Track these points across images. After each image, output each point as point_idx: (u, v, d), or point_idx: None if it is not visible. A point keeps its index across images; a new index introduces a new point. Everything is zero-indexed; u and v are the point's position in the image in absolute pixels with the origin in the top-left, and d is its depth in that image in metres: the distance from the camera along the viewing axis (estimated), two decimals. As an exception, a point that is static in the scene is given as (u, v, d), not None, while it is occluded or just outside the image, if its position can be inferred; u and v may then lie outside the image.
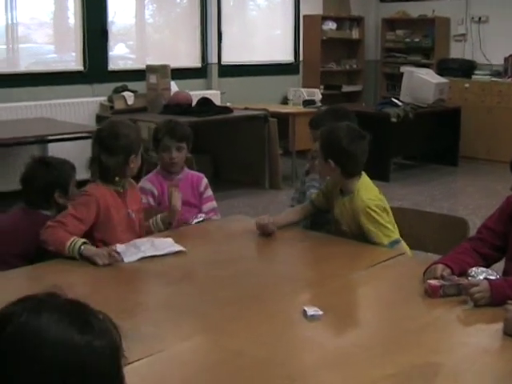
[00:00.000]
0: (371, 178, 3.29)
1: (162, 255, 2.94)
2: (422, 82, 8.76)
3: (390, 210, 3.17)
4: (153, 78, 7.91)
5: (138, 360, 1.92)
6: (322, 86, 10.32)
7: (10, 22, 7.45)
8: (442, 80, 8.95)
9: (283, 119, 8.32)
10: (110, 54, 8.31)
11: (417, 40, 10.55)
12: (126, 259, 2.85)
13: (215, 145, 8.33)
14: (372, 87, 11.12)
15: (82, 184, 3.24)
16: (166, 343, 2.11)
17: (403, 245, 3.14)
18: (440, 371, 1.98)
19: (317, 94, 9.74)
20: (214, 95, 8.71)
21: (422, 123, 8.83)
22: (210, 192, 3.90)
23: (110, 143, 3.12)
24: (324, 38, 10.31)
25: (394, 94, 9.54)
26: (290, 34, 10.34)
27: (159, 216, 3.42)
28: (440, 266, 2.60)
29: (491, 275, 2.56)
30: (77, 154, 4.76)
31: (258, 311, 2.38)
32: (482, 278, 2.52)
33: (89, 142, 3.42)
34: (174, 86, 8.17)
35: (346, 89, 10.84)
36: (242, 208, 7.01)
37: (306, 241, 3.19)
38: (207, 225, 3.63)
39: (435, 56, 10.27)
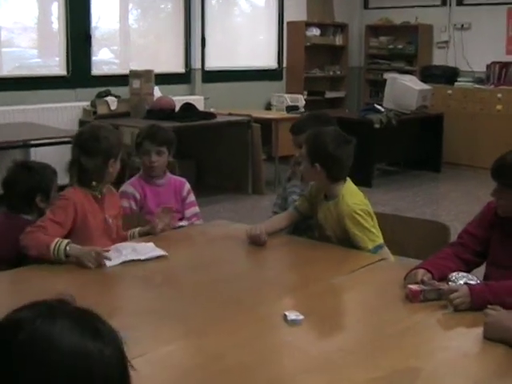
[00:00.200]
0: (354, 184, 3.30)
1: (144, 260, 2.93)
2: (405, 89, 8.81)
3: (373, 214, 3.18)
4: (136, 83, 7.90)
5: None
6: (305, 92, 10.35)
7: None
8: (425, 87, 9.00)
9: (266, 125, 8.33)
10: (94, 58, 8.30)
11: (400, 47, 10.61)
12: (108, 263, 2.85)
13: (198, 150, 8.32)
14: (355, 93, 11.16)
15: (63, 189, 3.22)
16: (147, 347, 2.11)
17: (386, 249, 3.15)
18: (420, 375, 1.98)
19: (300, 100, 9.77)
20: (198, 101, 8.72)
21: (405, 129, 8.87)
22: (192, 197, 3.90)
23: (90, 145, 3.11)
24: (308, 44, 10.34)
25: (377, 100, 9.59)
26: (274, 40, 10.36)
27: (138, 230, 3.40)
28: (421, 271, 2.61)
29: (471, 280, 2.57)
30: (59, 159, 4.73)
31: (239, 315, 2.38)
32: (462, 282, 2.53)
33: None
34: (158, 92, 8.17)
35: (329, 95, 10.87)
36: (224, 213, 7.01)
37: (289, 245, 3.19)
38: (189, 229, 3.62)
39: (418, 63, 10.33)
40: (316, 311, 2.43)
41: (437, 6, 10.26)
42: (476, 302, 2.37)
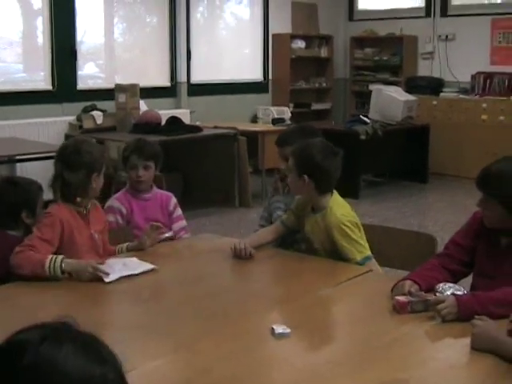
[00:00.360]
0: (341, 196, 3.30)
1: (137, 274, 2.92)
2: (391, 100, 8.85)
3: (361, 226, 3.19)
4: (122, 98, 7.89)
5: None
6: (291, 105, 10.38)
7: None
8: (411, 97, 9.05)
9: (253, 137, 8.34)
10: (80, 73, 8.31)
11: (385, 58, 10.67)
12: (107, 279, 2.83)
13: (185, 163, 8.32)
14: (341, 105, 11.21)
15: (49, 204, 3.20)
16: (134, 363, 2.09)
17: (374, 261, 3.15)
18: (409, 387, 1.98)
19: (286, 113, 9.80)
20: (184, 114, 8.73)
21: (391, 140, 8.90)
22: (179, 211, 3.90)
23: (73, 159, 3.10)
24: (293, 56, 10.37)
25: (363, 111, 9.62)
26: (259, 53, 10.40)
27: (126, 245, 3.38)
28: (408, 283, 2.61)
29: (458, 291, 2.57)
30: (45, 174, 4.68)
31: (226, 329, 2.38)
32: (449, 293, 2.53)
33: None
34: (144, 105, 8.16)
35: (315, 107, 10.91)
36: (211, 226, 7.01)
37: (275, 258, 3.19)
38: (176, 243, 3.62)
39: (403, 74, 10.39)
40: (304, 324, 2.42)
41: (421, 17, 10.34)
42: (463, 313, 2.37)
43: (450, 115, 9.63)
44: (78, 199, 3.13)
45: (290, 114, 9.84)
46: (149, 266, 3.00)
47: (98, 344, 1.15)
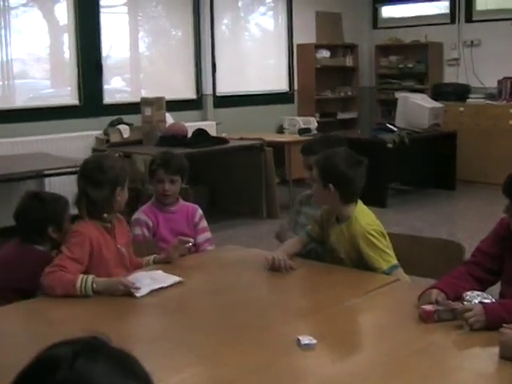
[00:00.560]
0: (368, 204, 3.29)
1: (166, 287, 2.93)
2: (417, 107, 8.80)
3: (386, 234, 3.17)
4: (148, 111, 7.94)
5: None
6: (317, 114, 10.38)
7: (5, 58, 7.50)
8: (437, 105, 9.00)
9: (279, 148, 8.36)
10: (106, 87, 8.37)
11: (410, 65, 10.62)
12: (138, 294, 2.84)
13: (211, 175, 8.35)
14: (367, 114, 11.17)
15: (76, 219, 3.21)
16: (160, 376, 2.08)
17: (401, 269, 3.13)
18: (436, 397, 1.96)
19: (312, 122, 9.80)
20: (210, 126, 8.76)
21: (418, 148, 8.86)
22: (204, 223, 3.91)
23: (96, 176, 3.09)
24: (318, 66, 10.37)
25: (389, 119, 9.58)
26: (284, 63, 10.41)
27: (153, 258, 3.39)
28: (434, 291, 2.59)
29: (486, 299, 2.54)
30: (73, 188, 4.72)
31: (251, 340, 2.37)
32: (476, 301, 2.50)
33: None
34: (170, 118, 8.20)
35: (341, 116, 10.89)
36: (239, 238, 7.00)
37: (302, 269, 3.17)
38: (202, 255, 3.63)
39: (429, 81, 10.34)
40: (329, 335, 2.41)
41: (446, 23, 10.29)
42: (491, 321, 2.35)
43: (477, 121, 9.55)
44: (105, 215, 3.12)
45: (316, 124, 9.85)
46: (176, 279, 3.00)
47: (131, 359, 1.14)
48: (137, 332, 2.62)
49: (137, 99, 8.19)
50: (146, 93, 8.62)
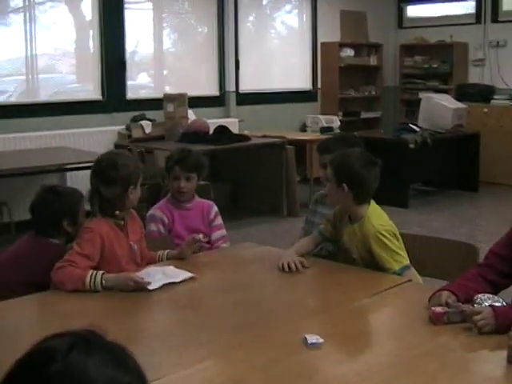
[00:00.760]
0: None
1: (178, 282, 2.94)
2: (440, 108, 8.75)
3: (399, 235, 3.16)
4: (170, 107, 7.97)
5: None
6: (340, 113, 10.34)
7: (30, 53, 7.56)
8: (460, 105, 8.93)
9: (301, 146, 8.35)
10: (129, 83, 8.41)
11: (435, 66, 10.56)
12: (151, 287, 2.85)
13: (233, 172, 8.36)
14: (391, 113, 11.12)
15: (90, 214, 3.23)
16: (166, 370, 2.11)
17: (413, 270, 3.12)
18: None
19: (335, 121, 9.77)
20: (232, 123, 8.77)
21: (441, 149, 8.80)
22: (219, 220, 3.91)
23: (108, 174, 3.09)
24: (342, 64, 10.34)
25: (412, 120, 9.52)
26: (308, 61, 10.39)
27: (167, 253, 3.40)
28: (445, 293, 2.57)
29: (497, 302, 2.52)
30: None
31: (259, 338, 2.37)
32: (487, 304, 2.49)
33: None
34: (192, 115, 8.23)
35: (364, 115, 10.85)
36: (259, 235, 7.00)
37: (314, 268, 3.17)
38: (216, 252, 3.64)
39: (454, 81, 10.28)
40: (337, 334, 2.41)
41: (471, 23, 10.22)
42: (500, 325, 2.32)
43: (502, 123, 9.47)
44: (117, 212, 3.13)
45: (338, 123, 9.82)
46: (188, 275, 3.01)
47: (125, 354, 1.15)
48: (146, 327, 2.63)
49: (160, 95, 8.24)
50: (169, 89, 8.66)
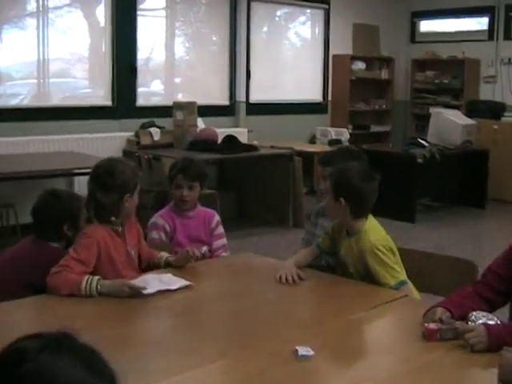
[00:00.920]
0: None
1: (174, 290, 2.95)
2: (450, 124, 8.74)
3: (396, 250, 3.16)
4: (179, 115, 8.00)
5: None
6: (350, 126, 10.35)
7: (42, 57, 7.61)
8: (470, 121, 8.92)
9: (309, 158, 8.35)
10: (141, 89, 8.45)
11: (446, 81, 10.56)
12: (145, 291, 2.86)
13: (240, 182, 8.38)
14: (401, 128, 11.12)
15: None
16: (153, 377, 2.12)
17: (410, 286, 3.12)
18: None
19: (345, 134, 9.77)
20: (241, 133, 8.79)
21: (449, 164, 8.78)
22: (221, 229, 3.92)
23: (105, 180, 3.11)
24: (353, 77, 10.36)
25: (423, 134, 9.52)
26: (319, 74, 10.41)
27: (165, 258, 3.40)
28: (439, 309, 2.57)
29: (491, 320, 2.51)
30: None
31: (250, 348, 2.38)
32: (481, 322, 2.48)
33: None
34: (201, 123, 8.25)
35: (374, 129, 10.85)
36: (264, 245, 7.01)
37: (311, 280, 3.17)
38: (215, 261, 3.65)
39: (465, 97, 10.28)
40: (329, 347, 2.40)
41: (484, 40, 10.22)
42: (493, 343, 2.32)
43: (512, 140, 9.45)
44: (113, 218, 3.14)
45: (348, 136, 9.82)
46: (184, 283, 3.02)
47: (96, 356, 1.17)
48: (139, 332, 2.64)
49: (170, 103, 8.26)
50: (179, 97, 8.69)
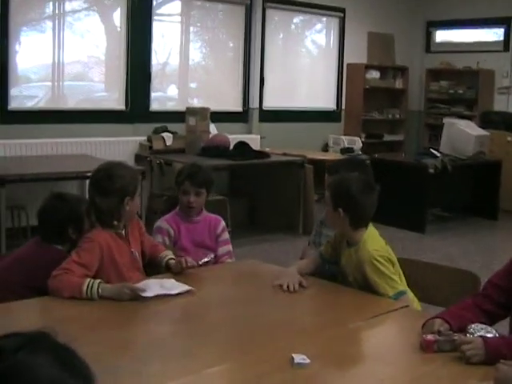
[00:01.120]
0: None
1: (174, 295, 2.96)
2: (462, 134, 8.72)
3: (396, 261, 3.16)
4: (192, 121, 8.03)
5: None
6: (363, 135, 10.35)
7: (59, 60, 7.67)
8: (483, 132, 8.90)
9: (320, 166, 8.33)
10: (154, 94, 8.48)
11: (460, 91, 10.55)
12: (144, 294, 2.88)
13: (251, 188, 8.39)
14: (414, 137, 11.10)
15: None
16: (150, 381, 2.14)
17: (409, 296, 3.12)
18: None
19: (357, 143, 9.78)
20: (254, 140, 8.81)
21: (461, 175, 8.76)
22: (226, 235, 3.93)
23: (104, 185, 3.12)
24: (367, 86, 10.36)
25: (436, 144, 9.51)
26: (333, 82, 10.42)
27: (166, 260, 3.42)
28: (438, 321, 2.57)
29: (490, 333, 2.51)
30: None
31: (246, 355, 2.39)
32: (479, 334, 2.48)
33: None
34: (214, 129, 8.28)
35: (387, 138, 10.85)
36: (274, 252, 7.02)
37: (312, 288, 3.18)
38: (218, 267, 3.66)
39: (479, 108, 10.25)
40: (325, 356, 2.41)
41: (499, 51, 10.19)
42: (490, 355, 2.31)
43: (525, 152, 9.41)
44: (115, 222, 3.16)
45: (360, 144, 9.83)
46: (185, 288, 3.03)
47: (73, 356, 1.18)
48: (138, 336, 2.65)
49: (183, 108, 8.29)
50: (193, 102, 8.73)
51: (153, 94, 8.48)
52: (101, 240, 3.08)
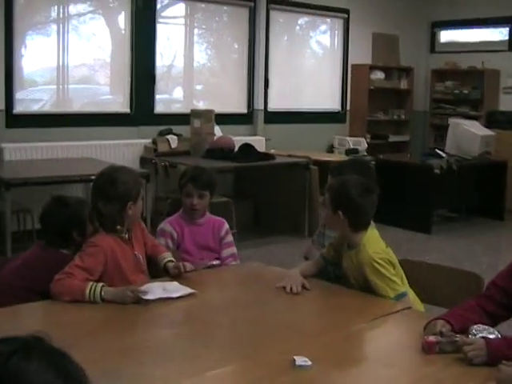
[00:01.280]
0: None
1: (176, 298, 2.97)
2: (468, 134, 8.71)
3: (397, 262, 3.16)
4: (197, 123, 8.04)
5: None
6: (368, 136, 10.34)
7: (63, 63, 7.69)
8: (489, 132, 8.88)
9: (325, 167, 8.32)
10: (158, 97, 8.50)
11: (466, 92, 10.53)
12: (146, 297, 2.89)
13: (256, 190, 8.39)
14: (420, 138, 11.09)
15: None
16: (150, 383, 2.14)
17: (410, 298, 3.11)
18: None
19: (362, 143, 9.77)
20: (259, 141, 8.81)
21: (467, 175, 8.74)
22: (230, 238, 3.93)
23: (106, 190, 3.11)
24: (372, 87, 10.35)
25: (442, 145, 9.49)
26: (338, 83, 10.42)
27: (165, 262, 3.41)
28: (440, 322, 2.56)
29: (492, 334, 2.50)
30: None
31: (248, 357, 2.39)
32: (481, 336, 2.47)
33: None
34: (219, 131, 8.28)
35: (392, 139, 10.83)
36: (279, 255, 7.02)
37: (315, 291, 3.17)
38: (222, 270, 3.66)
39: (484, 108, 10.23)
40: (327, 358, 2.41)
41: (504, 51, 10.17)
42: (492, 356, 2.31)
43: (532, 152, 9.38)
44: (118, 227, 3.17)
45: (365, 145, 9.82)
46: (188, 290, 3.04)
47: (67, 360, 1.18)
48: (140, 339, 2.64)
49: (188, 110, 8.30)
50: (198, 104, 8.74)
51: (157, 97, 8.50)
52: (105, 245, 3.09)
